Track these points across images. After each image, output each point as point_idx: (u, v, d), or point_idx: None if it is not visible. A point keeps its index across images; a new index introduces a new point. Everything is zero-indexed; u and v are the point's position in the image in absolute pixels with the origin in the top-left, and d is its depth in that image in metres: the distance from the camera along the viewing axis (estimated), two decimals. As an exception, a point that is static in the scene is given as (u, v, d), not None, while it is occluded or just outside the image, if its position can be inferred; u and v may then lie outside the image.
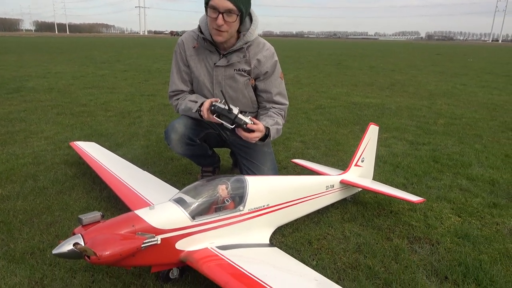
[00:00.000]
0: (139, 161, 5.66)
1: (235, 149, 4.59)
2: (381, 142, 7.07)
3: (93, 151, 5.22)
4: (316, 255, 3.34)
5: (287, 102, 4.28)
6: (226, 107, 3.51)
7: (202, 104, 3.77)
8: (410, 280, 2.98)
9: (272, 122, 3.96)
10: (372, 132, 4.56)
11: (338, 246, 3.48)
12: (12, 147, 6.36)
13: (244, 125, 3.55)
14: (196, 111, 3.93)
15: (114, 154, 5.22)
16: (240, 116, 3.53)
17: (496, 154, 6.34)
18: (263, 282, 2.41)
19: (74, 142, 5.62)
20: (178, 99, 4.25)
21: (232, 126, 3.55)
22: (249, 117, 3.64)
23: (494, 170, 5.60)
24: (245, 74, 4.03)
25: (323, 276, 2.70)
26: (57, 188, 4.71)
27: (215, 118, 3.58)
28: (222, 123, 3.57)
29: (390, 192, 4.12)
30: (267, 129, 3.79)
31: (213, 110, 3.56)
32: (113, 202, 4.21)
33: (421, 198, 4.01)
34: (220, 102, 3.54)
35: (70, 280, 2.95)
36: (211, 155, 4.79)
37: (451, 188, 4.89)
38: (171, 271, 2.93)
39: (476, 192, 4.78)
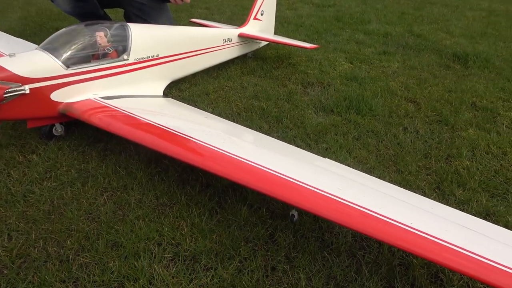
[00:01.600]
0: (16, 33, 4.89)
1: (128, 7, 4.15)
2: (288, 6, 6.95)
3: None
4: (212, 103, 3.35)
5: None
6: None
7: None
8: (299, 115, 3.17)
9: None
10: (272, -18, 4.36)
11: (235, 95, 3.52)
12: None
13: None
14: None
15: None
16: None
17: (394, 12, 6.62)
18: (163, 126, 2.31)
19: None
20: None
21: None
22: None
23: (390, 25, 5.88)
24: None
25: (219, 117, 2.77)
26: None
27: None
28: None
29: (287, 42, 4.14)
30: None
31: None
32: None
33: (316, 45, 4.11)
34: None
35: None
36: (102, 16, 4.29)
37: (348, 41, 5.08)
38: (54, 127, 2.74)
39: (370, 43, 5.04)
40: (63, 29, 2.75)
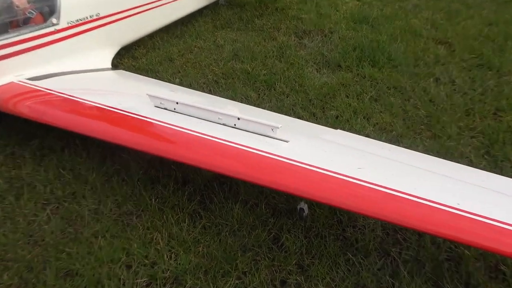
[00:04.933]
0: None
1: None
2: None
3: None
4: (180, 72, 3.29)
5: None
6: None
7: None
8: (297, 76, 3.13)
9: None
10: None
11: (208, 58, 3.46)
12: None
13: None
14: None
15: None
16: None
17: None
18: (115, 108, 2.27)
19: None
20: None
21: None
22: None
23: None
24: None
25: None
26: None
27: None
28: None
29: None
30: None
31: None
32: None
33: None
34: None
35: None
36: None
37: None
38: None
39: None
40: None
